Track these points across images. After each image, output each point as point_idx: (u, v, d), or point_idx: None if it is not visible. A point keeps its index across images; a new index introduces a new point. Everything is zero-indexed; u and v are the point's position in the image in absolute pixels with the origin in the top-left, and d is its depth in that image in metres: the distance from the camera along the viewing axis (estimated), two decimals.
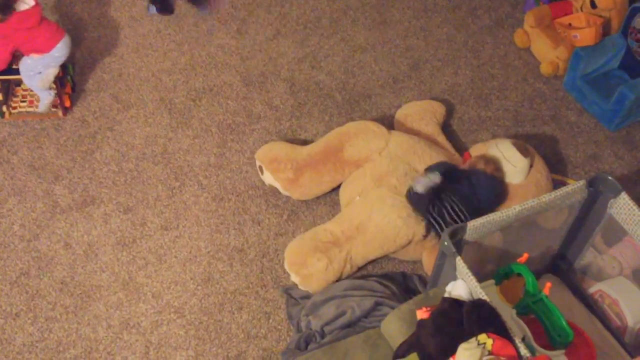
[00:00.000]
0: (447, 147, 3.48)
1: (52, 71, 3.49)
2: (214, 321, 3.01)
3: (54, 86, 3.61)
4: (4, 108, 3.62)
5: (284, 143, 3.40)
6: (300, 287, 3.03)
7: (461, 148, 3.59)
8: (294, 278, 3.03)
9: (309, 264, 2.99)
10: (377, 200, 3.08)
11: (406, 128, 3.55)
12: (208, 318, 3.02)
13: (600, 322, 2.78)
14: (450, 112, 3.75)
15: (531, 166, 3.25)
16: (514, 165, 3.18)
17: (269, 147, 3.37)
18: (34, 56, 3.43)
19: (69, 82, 3.72)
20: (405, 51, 4.12)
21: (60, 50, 3.44)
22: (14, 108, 3.66)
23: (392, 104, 3.83)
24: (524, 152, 3.20)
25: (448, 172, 3.09)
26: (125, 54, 3.99)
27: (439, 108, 3.65)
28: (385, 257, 3.19)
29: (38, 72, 3.47)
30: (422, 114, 3.59)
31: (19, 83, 3.72)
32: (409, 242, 3.07)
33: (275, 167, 3.29)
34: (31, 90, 3.70)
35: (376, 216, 3.05)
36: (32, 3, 3.34)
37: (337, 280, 3.05)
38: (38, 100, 3.66)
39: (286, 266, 3.06)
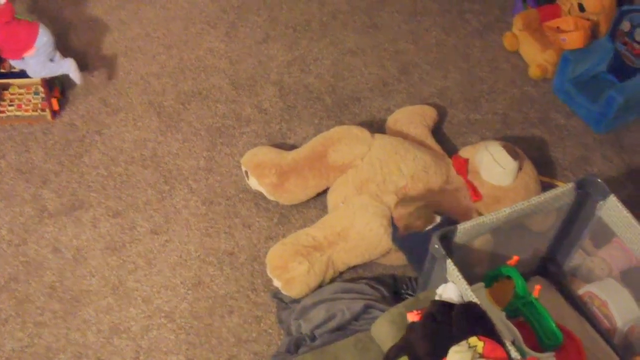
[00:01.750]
0: (435, 149, 3.49)
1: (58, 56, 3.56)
2: (204, 325, 3.00)
3: (42, 90, 3.60)
4: None
5: (269, 148, 3.40)
6: (282, 291, 3.02)
7: (451, 151, 3.60)
8: (277, 283, 3.02)
9: (290, 267, 2.99)
10: (359, 208, 3.09)
11: (395, 132, 3.55)
12: (198, 322, 3.00)
13: (589, 324, 2.80)
14: (439, 115, 3.76)
15: (520, 169, 3.26)
16: (503, 167, 3.19)
17: (254, 152, 3.37)
18: (29, 55, 3.44)
19: (58, 86, 3.70)
20: (394, 55, 4.13)
21: (45, 34, 3.44)
22: (2, 112, 3.63)
23: (381, 107, 3.84)
24: (513, 154, 3.22)
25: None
26: (114, 57, 3.97)
27: (429, 112, 3.66)
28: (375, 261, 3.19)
29: (48, 61, 3.49)
30: (411, 117, 3.60)
31: (6, 87, 3.70)
32: (390, 250, 3.08)
33: (260, 172, 3.29)
34: (19, 94, 3.69)
35: (358, 223, 3.05)
36: (3, 2, 3.36)
37: (320, 285, 3.05)
38: (26, 104, 3.65)
39: (268, 271, 3.05)
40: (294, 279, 2.98)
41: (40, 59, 3.47)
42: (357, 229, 3.05)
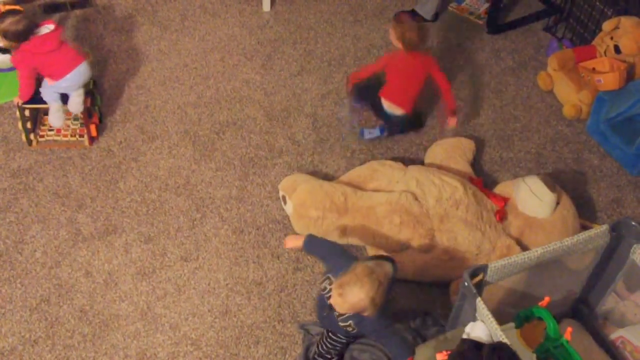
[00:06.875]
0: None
1: (76, 96, 3.55)
2: (230, 354, 3.00)
3: (81, 116, 3.68)
4: (32, 136, 3.69)
5: (307, 176, 3.45)
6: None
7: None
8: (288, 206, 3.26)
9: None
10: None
11: (435, 167, 3.54)
12: (224, 351, 3.01)
13: None
14: None
15: (558, 203, 3.25)
16: (541, 198, 3.19)
17: (294, 179, 3.41)
18: (47, 82, 3.51)
19: (97, 112, 3.78)
20: (428, 91, 4.14)
21: (68, 81, 3.48)
22: (42, 136, 3.73)
23: (414, 142, 3.85)
24: (551, 186, 3.21)
25: None
26: (152, 86, 4.06)
27: (468, 145, 3.66)
28: (404, 296, 3.17)
29: (56, 97, 3.53)
30: (451, 151, 3.60)
31: (47, 112, 3.79)
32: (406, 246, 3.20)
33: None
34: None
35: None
36: (53, 27, 3.42)
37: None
38: (65, 129, 3.74)
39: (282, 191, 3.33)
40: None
41: (48, 91, 3.51)
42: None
